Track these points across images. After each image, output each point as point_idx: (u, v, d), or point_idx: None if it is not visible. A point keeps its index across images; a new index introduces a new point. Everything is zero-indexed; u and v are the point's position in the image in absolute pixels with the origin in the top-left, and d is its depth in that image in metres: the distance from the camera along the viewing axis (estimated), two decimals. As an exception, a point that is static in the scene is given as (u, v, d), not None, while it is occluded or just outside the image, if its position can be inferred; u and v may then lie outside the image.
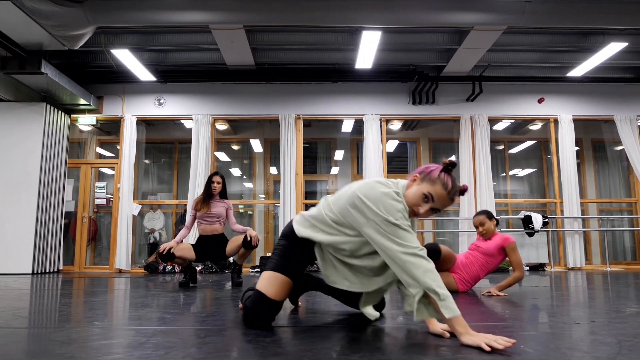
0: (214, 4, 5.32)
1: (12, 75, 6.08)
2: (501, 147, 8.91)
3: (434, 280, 1.53)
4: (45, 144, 6.54)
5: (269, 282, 1.89)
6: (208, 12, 5.36)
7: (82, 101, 6.93)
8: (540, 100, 7.46)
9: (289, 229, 1.97)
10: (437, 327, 1.65)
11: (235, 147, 9.22)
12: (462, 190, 1.68)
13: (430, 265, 1.56)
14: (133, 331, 1.80)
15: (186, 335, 1.70)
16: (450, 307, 1.50)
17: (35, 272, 6.24)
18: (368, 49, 6.14)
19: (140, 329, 1.83)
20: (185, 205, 7.22)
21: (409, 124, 8.43)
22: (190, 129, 7.35)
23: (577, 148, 8.58)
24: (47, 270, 6.49)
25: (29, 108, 6.50)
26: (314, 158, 9.29)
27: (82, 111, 7.24)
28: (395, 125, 8.13)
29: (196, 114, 7.29)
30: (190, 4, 5.30)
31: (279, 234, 2.14)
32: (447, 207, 1.68)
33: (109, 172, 8.09)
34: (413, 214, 1.68)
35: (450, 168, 1.67)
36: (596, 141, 8.73)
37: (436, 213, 1.69)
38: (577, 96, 7.47)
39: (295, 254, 1.93)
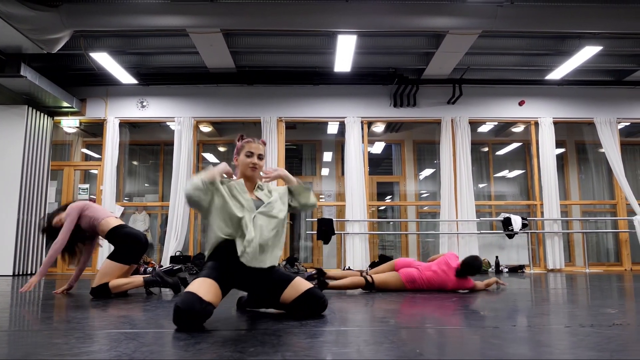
0: (189, 9, 5.37)
1: (-8, 79, 6.14)
2: (485, 149, 8.95)
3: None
4: (27, 146, 6.60)
5: (200, 285, 2.03)
6: (183, 16, 5.41)
7: (64, 104, 6.98)
8: (520, 103, 7.50)
9: None
10: None
11: (221, 149, 9.27)
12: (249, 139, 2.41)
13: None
14: (56, 335, 1.84)
15: (103, 338, 1.75)
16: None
17: (17, 273, 6.29)
18: (345, 52, 6.19)
19: (70, 333, 1.88)
20: (168, 207, 7.25)
21: (392, 126, 8.48)
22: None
23: (562, 150, 8.64)
24: (29, 272, 6.55)
25: (11, 111, 6.56)
26: (300, 160, 9.34)
27: (65, 114, 7.30)
28: (379, 128, 8.17)
29: (178, 117, 7.34)
30: (166, 8, 5.35)
31: None
32: (261, 150, 2.36)
33: (96, 172, 8.14)
34: (253, 169, 2.32)
35: (243, 137, 2.40)
36: (580, 143, 8.76)
37: (262, 159, 2.36)
38: (558, 99, 7.51)
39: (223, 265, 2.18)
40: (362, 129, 7.43)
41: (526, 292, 3.72)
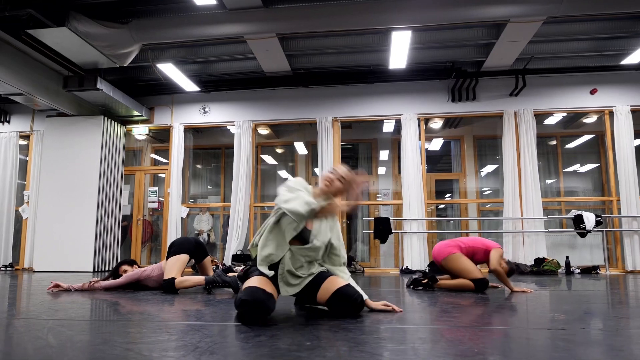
0: (246, 16, 5.55)
1: (73, 92, 6.74)
2: (553, 142, 8.42)
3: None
4: (104, 153, 7.18)
5: (258, 281, 2.13)
6: (241, 24, 5.62)
7: (135, 113, 7.51)
8: (592, 92, 6.97)
9: None
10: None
11: (279, 151, 9.51)
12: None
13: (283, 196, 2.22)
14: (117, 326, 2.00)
15: (171, 328, 1.88)
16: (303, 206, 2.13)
17: (96, 270, 6.86)
18: (400, 49, 6.10)
19: (127, 323, 2.04)
20: (230, 207, 7.55)
21: (451, 122, 8.23)
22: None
23: (642, 140, 7.92)
24: (106, 269, 7.11)
25: (89, 121, 7.17)
26: (356, 159, 9.34)
27: (136, 122, 7.84)
28: (437, 124, 7.96)
29: (238, 120, 7.62)
30: (224, 18, 5.58)
31: None
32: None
33: (164, 176, 8.68)
34: (330, 184, 2.33)
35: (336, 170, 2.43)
36: (664, 132, 7.97)
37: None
38: (635, 85, 6.89)
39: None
40: (419, 125, 7.28)
41: (601, 295, 3.46)
